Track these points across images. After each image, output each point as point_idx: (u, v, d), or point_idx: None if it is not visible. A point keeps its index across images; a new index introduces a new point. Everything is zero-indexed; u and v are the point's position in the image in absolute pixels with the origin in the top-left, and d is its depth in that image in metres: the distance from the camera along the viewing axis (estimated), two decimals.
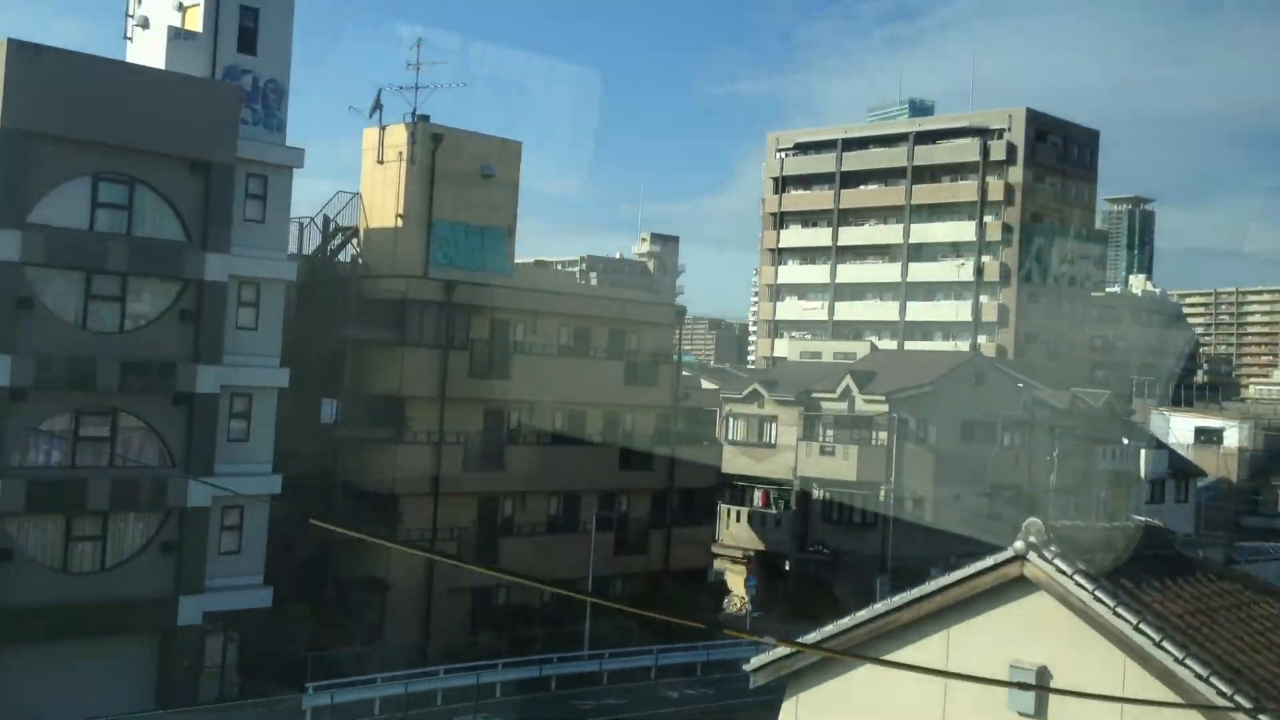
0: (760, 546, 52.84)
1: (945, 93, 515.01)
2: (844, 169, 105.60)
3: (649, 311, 49.96)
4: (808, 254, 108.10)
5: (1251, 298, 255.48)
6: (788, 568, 52.22)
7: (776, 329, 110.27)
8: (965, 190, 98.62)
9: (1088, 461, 57.77)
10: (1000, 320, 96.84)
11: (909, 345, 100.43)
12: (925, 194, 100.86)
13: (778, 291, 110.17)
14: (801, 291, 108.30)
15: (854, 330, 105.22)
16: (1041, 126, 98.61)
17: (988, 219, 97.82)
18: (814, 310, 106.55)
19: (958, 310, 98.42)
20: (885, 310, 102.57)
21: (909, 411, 50.43)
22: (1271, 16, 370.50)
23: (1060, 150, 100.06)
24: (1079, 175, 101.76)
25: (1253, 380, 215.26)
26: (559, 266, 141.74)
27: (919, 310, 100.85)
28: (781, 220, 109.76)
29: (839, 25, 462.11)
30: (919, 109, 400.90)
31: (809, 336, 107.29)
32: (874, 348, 71.69)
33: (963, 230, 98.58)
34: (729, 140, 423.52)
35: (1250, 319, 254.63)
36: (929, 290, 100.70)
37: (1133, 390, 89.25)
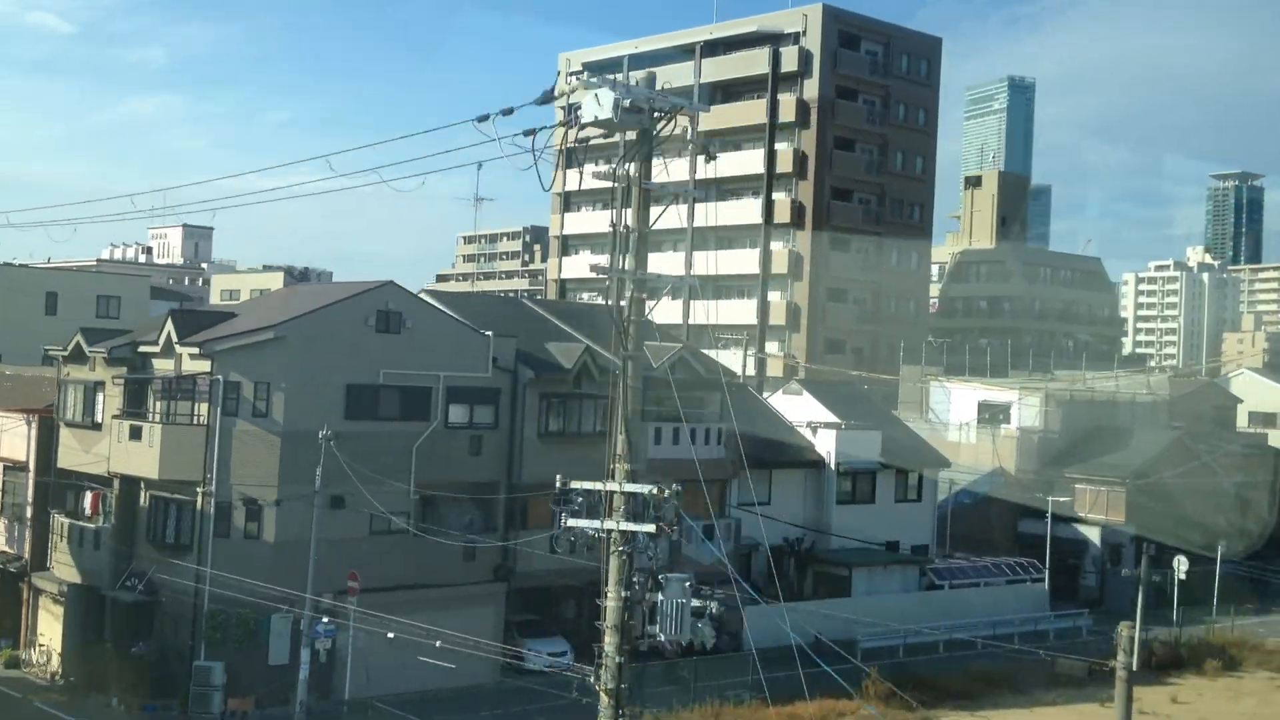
0: (77, 577, 35.11)
1: (1067, 74, 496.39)
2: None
3: None
4: (602, 198, 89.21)
5: None
6: (105, 609, 34.40)
7: (564, 289, 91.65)
8: (759, 110, 79.20)
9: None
10: (794, 272, 77.42)
11: (699, 305, 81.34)
12: (715, 117, 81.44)
13: (566, 243, 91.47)
14: (594, 244, 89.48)
15: (647, 290, 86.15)
16: (849, 29, 78.76)
17: (782, 146, 78.31)
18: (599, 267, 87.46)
19: (750, 261, 79.11)
20: (676, 262, 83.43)
21: (249, 371, 32.26)
22: None
23: (880, 61, 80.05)
24: (909, 92, 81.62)
25: None
26: None
27: (708, 261, 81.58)
28: (570, 158, 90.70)
29: (956, 8, 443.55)
30: (1019, 86, 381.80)
31: (590, 296, 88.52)
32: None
33: (759, 161, 79.20)
34: None
35: None
36: (728, 237, 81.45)
37: (923, 356, 69.48)
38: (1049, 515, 51.74)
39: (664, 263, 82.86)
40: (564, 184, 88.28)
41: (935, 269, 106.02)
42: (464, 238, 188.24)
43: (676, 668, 34.30)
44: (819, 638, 40.68)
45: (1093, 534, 54.42)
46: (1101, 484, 56.31)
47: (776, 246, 78.10)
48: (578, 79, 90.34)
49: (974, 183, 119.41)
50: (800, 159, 77.01)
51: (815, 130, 76.61)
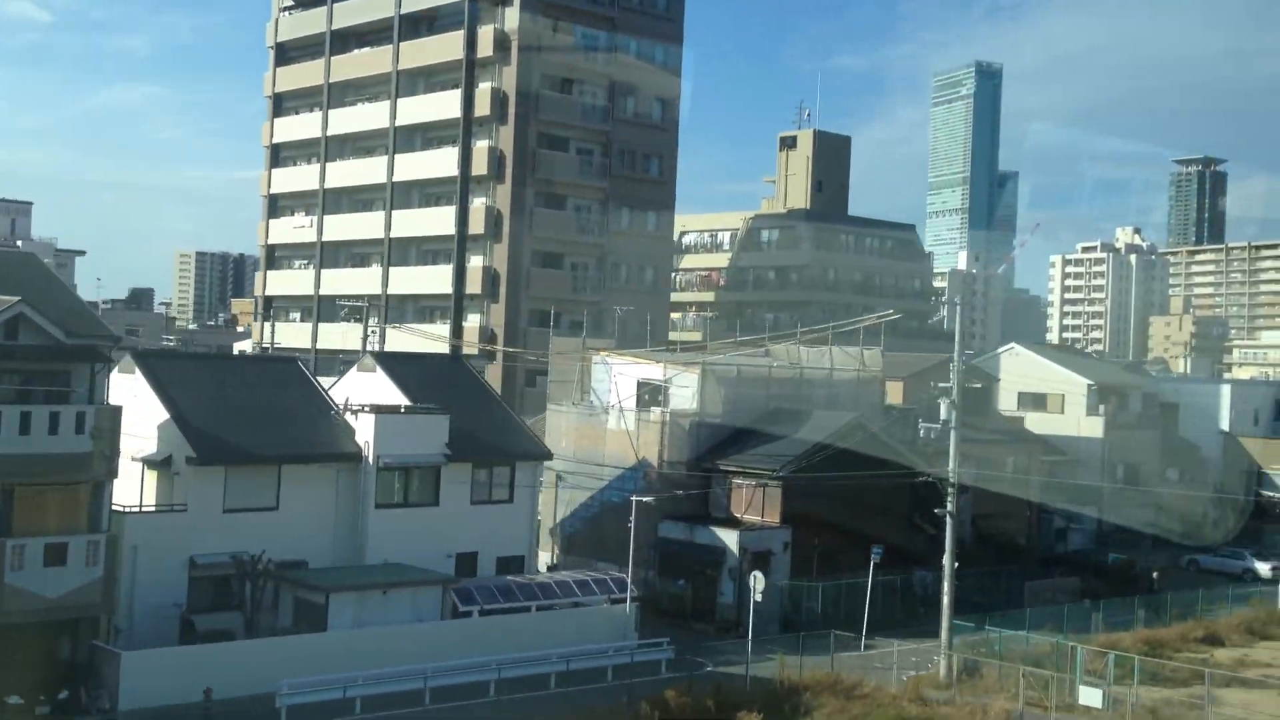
0: None
1: (1049, 62, 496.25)
2: (337, 26, 75.54)
3: None
4: (308, 150, 78.23)
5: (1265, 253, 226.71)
6: None
7: (273, 256, 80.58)
8: (459, 44, 68.41)
9: None
10: (493, 232, 66.81)
11: (401, 271, 70.94)
12: (412, 54, 70.76)
13: (275, 203, 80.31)
14: (304, 202, 78.50)
15: (350, 254, 75.55)
16: None
17: (486, 85, 67.59)
18: (305, 229, 76.65)
19: (447, 220, 68.40)
20: (374, 224, 72.66)
21: None
22: None
23: None
24: (645, 25, 71.07)
25: (1237, 344, 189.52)
26: None
27: (411, 222, 70.93)
28: (279, 104, 79.87)
29: None
30: (986, 72, 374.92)
31: (304, 265, 77.67)
32: None
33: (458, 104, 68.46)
34: (827, 116, 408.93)
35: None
36: (434, 194, 70.78)
37: (585, 327, 59.09)
38: (699, 517, 41.73)
39: (363, 223, 72.18)
40: (272, 135, 77.40)
41: (730, 236, 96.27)
42: None
43: None
44: (209, 695, 30.46)
45: (730, 540, 44.30)
46: (755, 477, 46.28)
47: (480, 204, 67.54)
48: None
49: (789, 143, 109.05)
50: (500, 100, 66.37)
51: (516, 66, 65.99)
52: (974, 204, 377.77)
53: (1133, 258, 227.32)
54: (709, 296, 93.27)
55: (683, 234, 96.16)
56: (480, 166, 66.30)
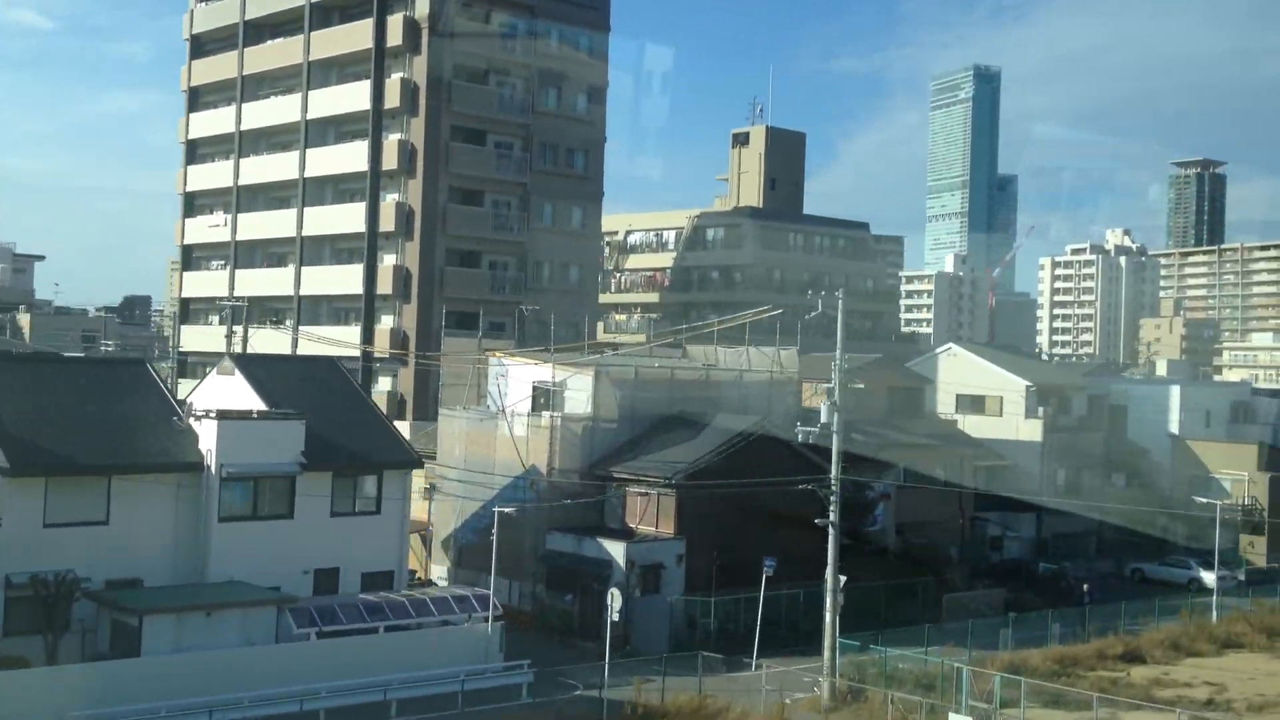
0: None
1: (1053, 62, 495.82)
2: (251, 16, 72.54)
3: None
4: (225, 146, 75.14)
5: (1258, 254, 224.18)
6: None
7: (190, 256, 77.50)
8: (365, 34, 65.43)
9: None
10: (405, 229, 63.79)
11: (314, 271, 68.05)
12: (323, 44, 67.81)
13: (192, 201, 77.18)
14: (222, 200, 75.39)
15: (268, 253, 72.54)
16: None
17: (397, 76, 64.58)
18: (220, 228, 73.54)
19: (358, 218, 65.35)
20: (288, 222, 69.60)
21: None
22: None
23: None
24: (569, 12, 67.95)
25: (1226, 346, 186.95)
26: None
27: (324, 219, 67.93)
28: (195, 98, 76.81)
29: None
30: (985, 75, 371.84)
31: (221, 265, 74.60)
32: None
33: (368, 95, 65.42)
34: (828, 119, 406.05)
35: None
36: (349, 190, 67.75)
37: (481, 325, 56.08)
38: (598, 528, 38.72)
39: (278, 221, 69.21)
40: (187, 131, 74.47)
41: (675, 235, 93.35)
42: None
43: None
44: None
45: (616, 552, 41.27)
46: (648, 485, 43.30)
47: (393, 200, 64.49)
48: None
49: (741, 140, 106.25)
50: (410, 91, 63.36)
51: (427, 55, 62.98)
52: (974, 207, 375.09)
53: (1122, 259, 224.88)
54: (654, 297, 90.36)
55: (628, 233, 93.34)
56: (391, 161, 63.26)
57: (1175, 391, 69.16)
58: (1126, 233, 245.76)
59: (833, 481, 35.76)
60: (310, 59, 67.75)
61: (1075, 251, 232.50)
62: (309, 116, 67.82)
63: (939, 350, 68.15)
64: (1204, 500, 57.77)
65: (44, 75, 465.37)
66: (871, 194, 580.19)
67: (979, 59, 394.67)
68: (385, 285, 63.29)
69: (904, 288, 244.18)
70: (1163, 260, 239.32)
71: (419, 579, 46.62)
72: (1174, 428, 67.89)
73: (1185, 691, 36.23)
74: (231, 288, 69.94)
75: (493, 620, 36.11)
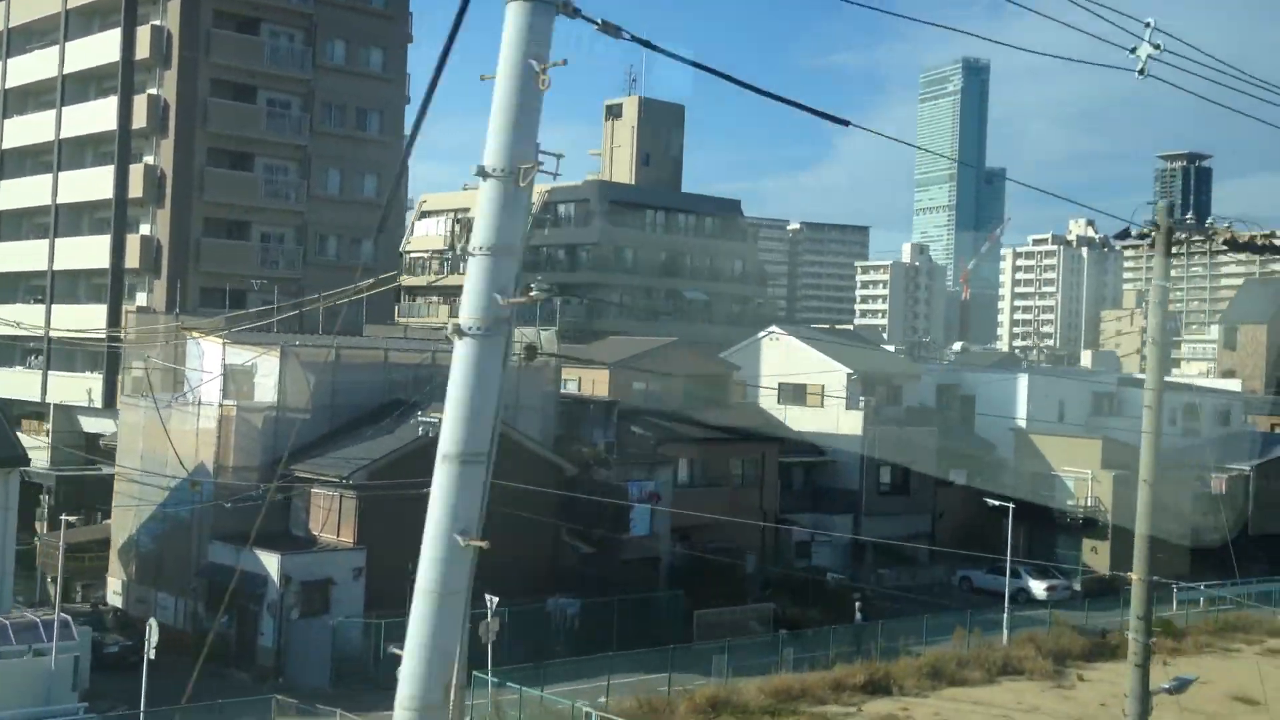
0: None
1: (1050, 59, 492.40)
2: None
3: None
4: None
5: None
6: None
7: None
8: None
9: None
10: (155, 196, 56.93)
11: (69, 243, 61.04)
12: None
13: None
14: None
15: (34, 224, 65.45)
16: None
17: (154, 24, 57.66)
18: None
19: (106, 182, 58.39)
20: (46, 188, 62.45)
21: None
22: None
23: None
24: None
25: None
26: None
27: (79, 185, 60.85)
28: None
29: None
30: (973, 68, 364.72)
31: None
32: None
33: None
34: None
35: None
36: (104, 152, 60.69)
37: (164, 299, 49.40)
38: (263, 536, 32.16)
39: (38, 187, 62.26)
40: None
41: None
42: None
43: None
44: None
45: (271, 566, 34.80)
46: (328, 486, 36.87)
47: (147, 163, 57.61)
48: None
49: (614, 113, 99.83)
50: (164, 39, 56.50)
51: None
52: (961, 201, 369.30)
53: (1084, 250, 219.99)
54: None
55: (468, 211, 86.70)
56: (142, 119, 56.43)
57: (1023, 381, 63.37)
58: (1090, 223, 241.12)
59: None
60: (69, 6, 60.70)
61: (1037, 242, 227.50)
62: (66, 70, 60.81)
63: (760, 335, 61.88)
64: (1041, 503, 52.15)
65: None
66: (871, 189, 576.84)
67: (977, 53, 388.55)
68: (134, 258, 56.43)
69: (859, 278, 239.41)
70: (1131, 252, 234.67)
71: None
72: (1021, 420, 62.07)
73: None
74: None
75: (61, 655, 29.49)
